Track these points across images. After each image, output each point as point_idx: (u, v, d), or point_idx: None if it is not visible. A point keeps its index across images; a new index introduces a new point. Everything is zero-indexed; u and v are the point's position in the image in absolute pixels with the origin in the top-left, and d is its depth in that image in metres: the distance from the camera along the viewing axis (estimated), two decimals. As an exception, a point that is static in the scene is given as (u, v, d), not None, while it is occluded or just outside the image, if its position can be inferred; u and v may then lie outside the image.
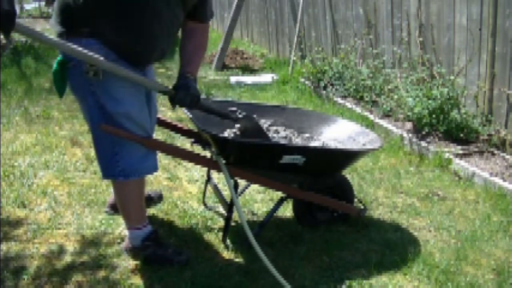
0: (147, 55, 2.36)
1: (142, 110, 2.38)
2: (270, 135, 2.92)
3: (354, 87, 5.48)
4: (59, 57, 2.26)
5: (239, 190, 2.88)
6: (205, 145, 2.74)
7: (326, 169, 2.80)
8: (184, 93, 2.36)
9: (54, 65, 2.25)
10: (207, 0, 2.52)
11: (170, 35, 2.39)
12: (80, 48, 2.11)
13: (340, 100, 5.47)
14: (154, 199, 3.09)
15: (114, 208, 2.86)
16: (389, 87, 4.98)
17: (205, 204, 3.11)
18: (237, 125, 2.80)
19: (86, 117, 2.38)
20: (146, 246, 2.48)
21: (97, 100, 2.24)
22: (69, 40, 2.21)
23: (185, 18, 2.48)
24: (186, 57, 2.50)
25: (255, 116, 2.80)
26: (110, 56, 2.21)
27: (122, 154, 2.32)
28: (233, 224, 2.76)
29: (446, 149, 4.00)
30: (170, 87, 2.41)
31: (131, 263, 2.49)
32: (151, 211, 3.01)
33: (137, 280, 2.36)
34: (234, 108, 2.78)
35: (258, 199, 3.24)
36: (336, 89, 5.70)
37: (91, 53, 2.13)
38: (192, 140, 2.86)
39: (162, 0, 2.26)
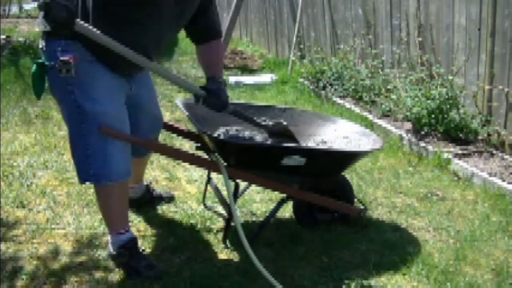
0: (126, 66, 2.35)
1: (121, 110, 2.35)
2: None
3: (353, 87, 5.48)
4: (39, 59, 2.26)
5: (239, 191, 2.87)
6: (209, 151, 2.74)
7: (327, 170, 2.80)
8: (215, 99, 2.49)
9: (34, 67, 2.25)
10: (209, 13, 2.54)
11: (158, 48, 2.43)
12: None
13: (339, 100, 5.47)
14: (165, 199, 3.11)
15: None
16: (388, 87, 4.98)
17: (205, 205, 3.11)
18: (269, 134, 2.80)
19: (64, 119, 2.37)
20: (121, 254, 2.41)
21: (74, 100, 2.23)
22: (49, 41, 2.23)
23: (199, 41, 2.60)
24: (211, 61, 2.62)
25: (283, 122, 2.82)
26: (88, 57, 2.22)
27: (94, 157, 2.28)
28: (232, 224, 2.76)
29: (445, 149, 4.00)
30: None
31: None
32: (150, 211, 3.01)
33: (136, 280, 2.35)
34: (263, 118, 2.89)
35: (257, 199, 3.24)
36: (335, 89, 5.70)
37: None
38: (197, 146, 2.86)
39: (154, 17, 2.28)
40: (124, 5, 2.20)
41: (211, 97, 2.48)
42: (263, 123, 2.79)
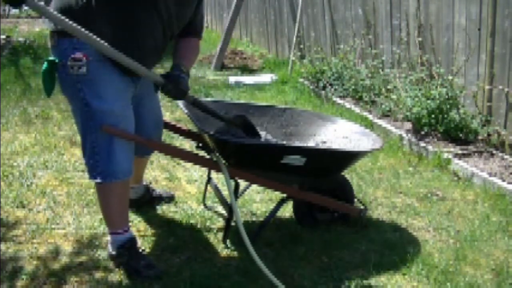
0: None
1: (127, 110, 2.37)
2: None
3: (353, 87, 5.48)
4: (50, 57, 2.28)
5: (239, 191, 2.87)
6: (209, 150, 2.73)
7: (327, 170, 2.80)
8: (172, 85, 2.36)
9: (44, 65, 2.26)
10: (198, 16, 2.57)
11: (162, 49, 2.44)
12: (80, 29, 2.12)
13: (339, 100, 5.48)
14: (165, 199, 3.11)
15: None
16: (388, 87, 4.98)
17: (205, 205, 3.11)
18: (230, 127, 2.73)
19: (75, 117, 2.39)
20: (120, 254, 2.42)
21: (83, 97, 2.25)
22: (60, 40, 2.25)
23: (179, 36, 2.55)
24: (181, 53, 2.54)
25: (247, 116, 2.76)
26: (98, 56, 2.23)
27: (102, 155, 2.30)
28: (232, 224, 2.76)
29: (445, 149, 4.00)
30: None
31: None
32: (150, 211, 3.01)
33: (136, 280, 2.35)
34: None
35: (257, 199, 3.24)
36: (335, 89, 5.70)
37: (87, 33, 2.12)
38: (196, 144, 2.86)
39: (160, 16, 2.32)
40: (125, 7, 2.23)
41: (168, 84, 2.36)
42: (225, 116, 2.69)
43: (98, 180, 2.34)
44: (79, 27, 2.10)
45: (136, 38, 2.29)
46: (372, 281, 2.43)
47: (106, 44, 2.17)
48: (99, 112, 2.26)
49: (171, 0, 2.33)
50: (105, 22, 2.22)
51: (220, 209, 3.05)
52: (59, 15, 2.11)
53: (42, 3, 2.12)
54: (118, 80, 2.31)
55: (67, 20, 2.10)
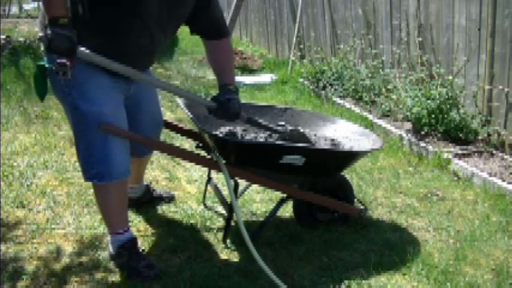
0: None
1: (118, 110, 2.36)
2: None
3: (353, 87, 5.48)
4: (40, 61, 2.28)
5: (239, 191, 2.87)
6: (209, 149, 2.74)
7: (327, 170, 2.80)
8: (223, 111, 2.50)
9: (35, 69, 2.26)
10: (210, 8, 2.52)
11: (155, 52, 2.45)
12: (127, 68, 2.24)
13: (339, 100, 5.48)
14: (165, 199, 3.11)
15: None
16: (388, 87, 4.98)
17: (205, 205, 3.12)
18: (284, 138, 2.77)
19: (68, 119, 2.40)
20: (120, 254, 2.43)
21: (72, 101, 2.26)
22: None
23: (205, 38, 2.60)
24: (219, 66, 2.61)
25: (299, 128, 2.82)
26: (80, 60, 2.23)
27: (97, 156, 2.30)
28: (232, 224, 2.76)
29: (445, 149, 4.00)
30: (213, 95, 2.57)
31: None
32: (150, 211, 3.01)
33: (136, 280, 2.35)
34: (282, 123, 2.88)
35: (257, 199, 3.24)
36: (335, 89, 5.70)
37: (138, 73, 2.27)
38: (197, 144, 2.86)
39: (154, 20, 2.30)
40: (110, 16, 2.23)
41: (220, 109, 2.49)
42: (280, 129, 2.77)
43: (95, 182, 2.34)
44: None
45: (120, 46, 2.28)
46: (372, 281, 2.43)
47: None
48: (89, 114, 2.26)
49: (161, 4, 2.30)
50: (89, 32, 2.21)
51: (220, 209, 3.06)
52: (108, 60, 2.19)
53: (88, 51, 2.15)
54: (106, 81, 2.31)
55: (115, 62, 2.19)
